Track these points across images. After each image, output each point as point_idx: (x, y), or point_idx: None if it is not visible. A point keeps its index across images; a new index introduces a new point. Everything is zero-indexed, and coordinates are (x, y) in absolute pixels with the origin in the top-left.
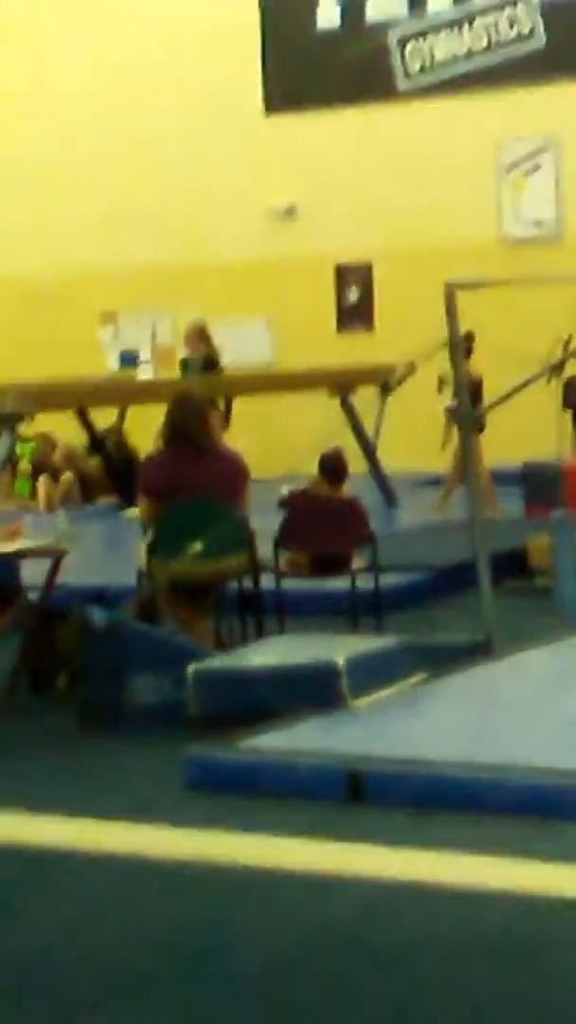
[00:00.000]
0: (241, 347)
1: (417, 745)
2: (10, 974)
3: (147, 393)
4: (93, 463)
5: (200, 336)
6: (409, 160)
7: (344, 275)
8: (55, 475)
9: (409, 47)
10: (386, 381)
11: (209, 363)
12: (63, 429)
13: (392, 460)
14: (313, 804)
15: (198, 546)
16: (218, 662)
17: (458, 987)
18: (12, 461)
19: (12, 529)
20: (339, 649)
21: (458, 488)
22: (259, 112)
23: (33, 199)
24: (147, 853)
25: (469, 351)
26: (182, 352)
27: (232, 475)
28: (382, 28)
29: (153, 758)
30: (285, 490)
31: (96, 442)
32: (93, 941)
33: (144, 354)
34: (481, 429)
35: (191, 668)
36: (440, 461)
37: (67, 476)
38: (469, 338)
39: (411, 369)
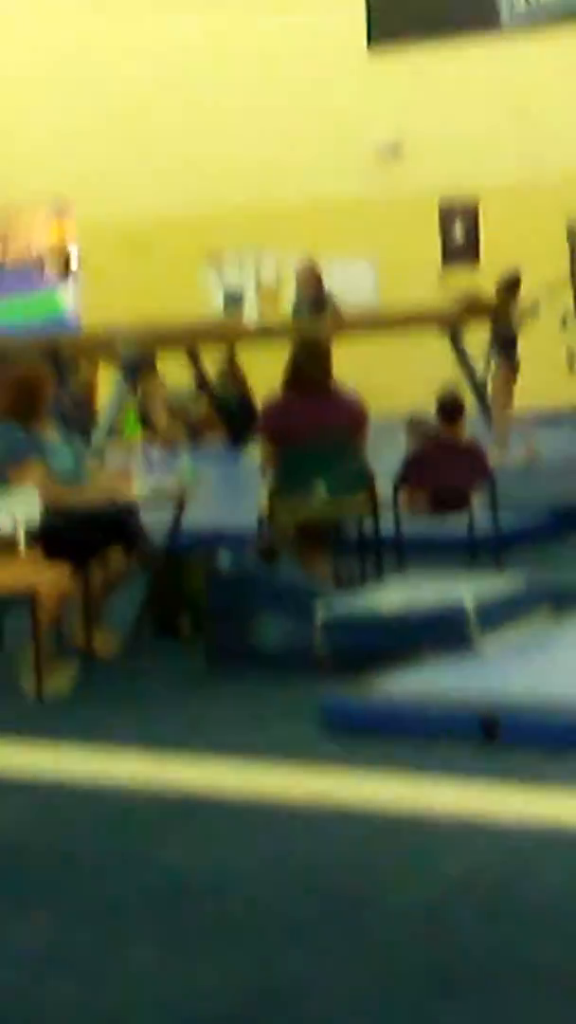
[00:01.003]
0: (346, 287)
1: (549, 685)
2: (153, 920)
3: (261, 334)
4: (200, 404)
5: (311, 275)
6: (514, 95)
7: (449, 212)
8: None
9: None
10: (509, 320)
11: (318, 304)
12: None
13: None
14: (447, 745)
15: (322, 488)
16: (346, 604)
17: None
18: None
19: (122, 474)
20: (465, 590)
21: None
22: (362, 47)
23: (135, 142)
24: (286, 796)
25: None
26: (291, 293)
27: (352, 417)
28: None
29: (283, 701)
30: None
31: (204, 383)
32: (236, 885)
33: (248, 294)
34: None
35: (319, 610)
36: (559, 399)
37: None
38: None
39: (536, 308)
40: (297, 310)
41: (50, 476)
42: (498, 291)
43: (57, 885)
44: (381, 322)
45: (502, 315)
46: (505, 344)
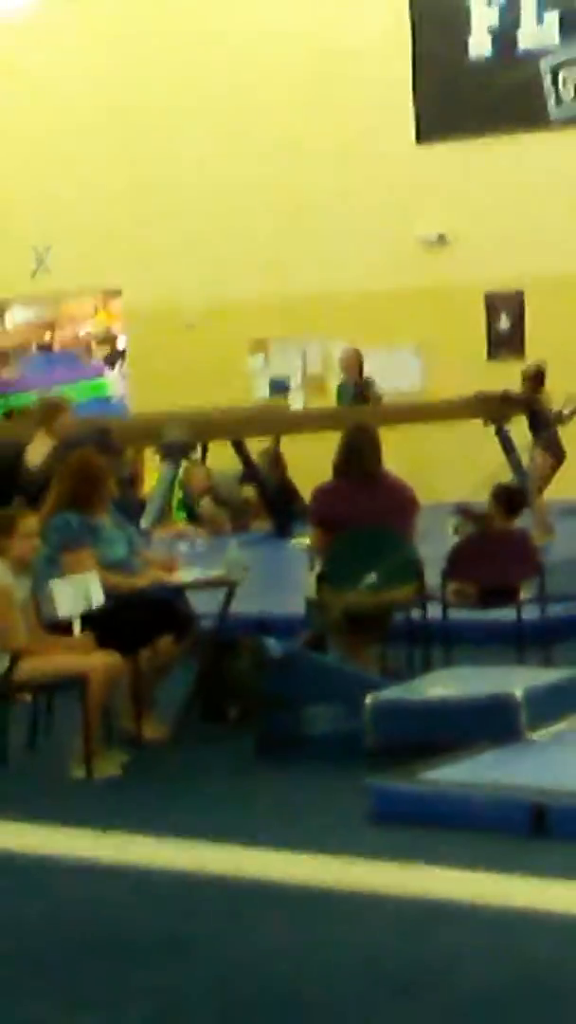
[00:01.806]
0: (391, 376)
1: None
2: (185, 1009)
3: (306, 422)
4: (246, 491)
5: (355, 360)
6: (560, 188)
7: (495, 303)
8: (215, 501)
9: (562, 75)
10: (559, 412)
11: (362, 388)
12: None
13: (549, 489)
14: (495, 837)
15: (372, 577)
16: (395, 693)
17: None
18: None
19: (169, 561)
20: (515, 681)
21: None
22: (411, 141)
23: (189, 230)
24: (331, 885)
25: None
26: (337, 379)
27: (403, 504)
28: (534, 56)
29: (331, 789)
30: (453, 522)
31: (252, 470)
32: (277, 973)
33: (294, 382)
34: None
35: (369, 699)
36: None
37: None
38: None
39: None
40: (341, 395)
41: (103, 563)
42: (524, 381)
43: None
44: (419, 411)
45: (531, 403)
46: (539, 430)
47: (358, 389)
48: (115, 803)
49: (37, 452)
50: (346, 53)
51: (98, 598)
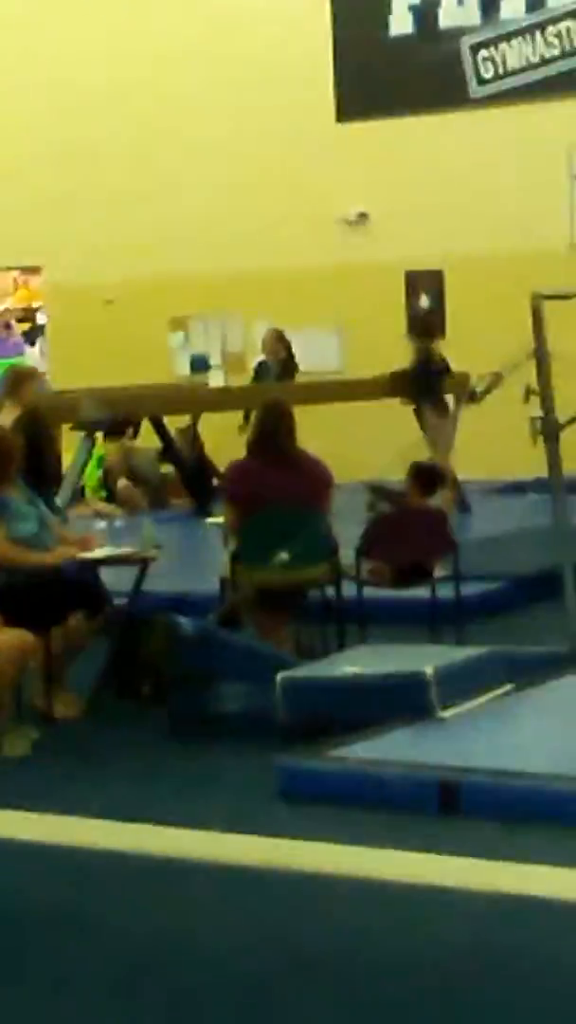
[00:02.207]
0: (311, 354)
1: (507, 756)
2: (99, 984)
3: (226, 400)
4: (165, 469)
5: (279, 341)
6: (481, 167)
7: (415, 282)
8: (132, 479)
9: (482, 54)
10: (473, 391)
11: (286, 369)
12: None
13: (468, 468)
14: (404, 815)
15: (285, 555)
16: (306, 671)
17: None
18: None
19: (85, 539)
20: (427, 659)
21: None
22: (331, 119)
23: (106, 207)
24: (235, 861)
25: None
26: (258, 356)
27: (317, 482)
28: (455, 34)
29: (242, 766)
30: (368, 499)
31: (170, 448)
32: (172, 949)
33: (215, 359)
34: None
35: (279, 676)
36: (520, 468)
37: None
38: None
39: (498, 380)
40: (259, 374)
41: (13, 538)
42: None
43: None
44: (333, 389)
45: (422, 358)
46: (430, 388)
47: (283, 369)
48: (24, 781)
49: (3, 420)
50: (266, 31)
51: None
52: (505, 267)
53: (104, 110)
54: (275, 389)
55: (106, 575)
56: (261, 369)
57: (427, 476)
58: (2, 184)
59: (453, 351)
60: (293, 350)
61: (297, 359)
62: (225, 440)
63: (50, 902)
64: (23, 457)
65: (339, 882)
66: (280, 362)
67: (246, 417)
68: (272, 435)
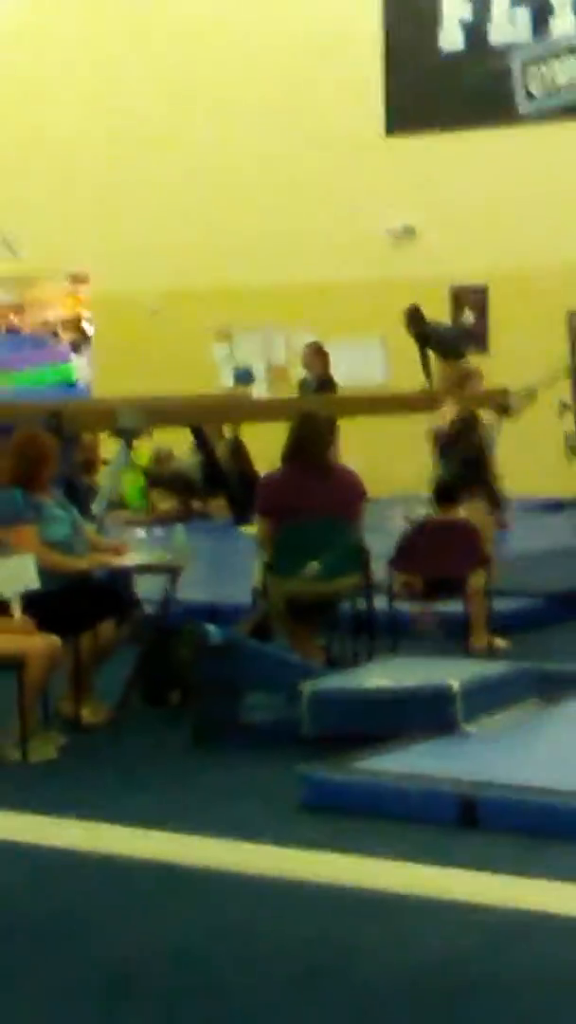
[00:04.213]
0: (355, 367)
1: (531, 772)
2: (102, 991)
3: (262, 412)
4: (205, 479)
5: (317, 355)
6: (528, 184)
7: (460, 297)
8: (170, 488)
9: (531, 71)
10: (507, 404)
11: (325, 383)
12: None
13: (508, 484)
14: (425, 828)
15: (316, 566)
16: (333, 682)
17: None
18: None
19: (119, 546)
20: (453, 673)
21: None
22: (380, 133)
23: (156, 218)
24: (258, 872)
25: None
26: (300, 372)
27: (350, 494)
28: (505, 52)
29: (266, 776)
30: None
31: (212, 459)
32: (200, 961)
33: (258, 372)
34: None
35: (306, 687)
36: (557, 486)
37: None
38: None
39: (532, 394)
40: (303, 389)
41: (45, 543)
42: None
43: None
44: (387, 403)
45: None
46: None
47: (320, 384)
48: (49, 786)
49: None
50: (318, 44)
51: (32, 582)
52: (550, 284)
53: (154, 122)
54: (314, 401)
55: (139, 583)
56: (303, 385)
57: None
58: (53, 193)
59: (495, 367)
60: (331, 365)
61: (340, 373)
62: (270, 451)
63: (71, 908)
64: (56, 461)
65: (358, 894)
66: (317, 377)
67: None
68: (306, 446)
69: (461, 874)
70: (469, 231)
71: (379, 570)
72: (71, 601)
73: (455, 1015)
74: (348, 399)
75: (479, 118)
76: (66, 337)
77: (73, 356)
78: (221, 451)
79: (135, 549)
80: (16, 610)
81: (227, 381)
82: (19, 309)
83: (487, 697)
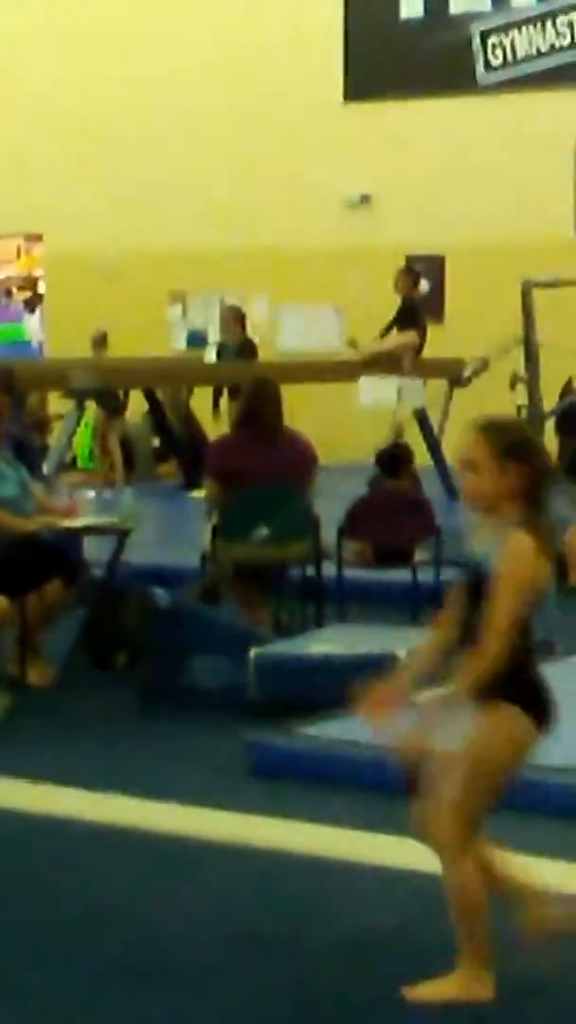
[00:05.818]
0: (310, 335)
1: None
2: (45, 950)
3: (213, 375)
4: (155, 442)
5: (235, 320)
6: (486, 154)
7: (416, 266)
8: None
9: (491, 40)
10: (459, 375)
11: (244, 348)
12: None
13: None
14: (372, 795)
15: (264, 531)
16: (279, 648)
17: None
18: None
19: (69, 507)
20: (401, 641)
21: None
22: (338, 99)
23: (109, 179)
24: (204, 836)
25: None
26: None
27: (301, 460)
28: (465, 20)
29: (212, 741)
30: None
31: (162, 421)
32: (142, 922)
33: (212, 335)
34: None
35: (252, 653)
36: None
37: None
38: None
39: (485, 365)
40: (221, 353)
41: None
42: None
43: None
44: (334, 370)
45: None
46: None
47: (240, 348)
48: None
49: None
50: (278, 9)
51: None
52: (506, 255)
53: (109, 83)
54: (272, 367)
55: (88, 545)
56: (221, 349)
57: (393, 459)
58: (8, 153)
59: (451, 337)
60: (250, 330)
61: (294, 340)
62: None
63: (13, 870)
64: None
65: (303, 860)
66: (237, 341)
67: (215, 404)
68: (258, 412)
69: (408, 841)
70: (426, 200)
71: (329, 537)
72: (17, 561)
73: (402, 980)
74: (299, 364)
75: (438, 87)
76: (19, 296)
77: (26, 315)
78: (176, 416)
79: (86, 511)
80: None
81: (180, 344)
82: None
83: None
